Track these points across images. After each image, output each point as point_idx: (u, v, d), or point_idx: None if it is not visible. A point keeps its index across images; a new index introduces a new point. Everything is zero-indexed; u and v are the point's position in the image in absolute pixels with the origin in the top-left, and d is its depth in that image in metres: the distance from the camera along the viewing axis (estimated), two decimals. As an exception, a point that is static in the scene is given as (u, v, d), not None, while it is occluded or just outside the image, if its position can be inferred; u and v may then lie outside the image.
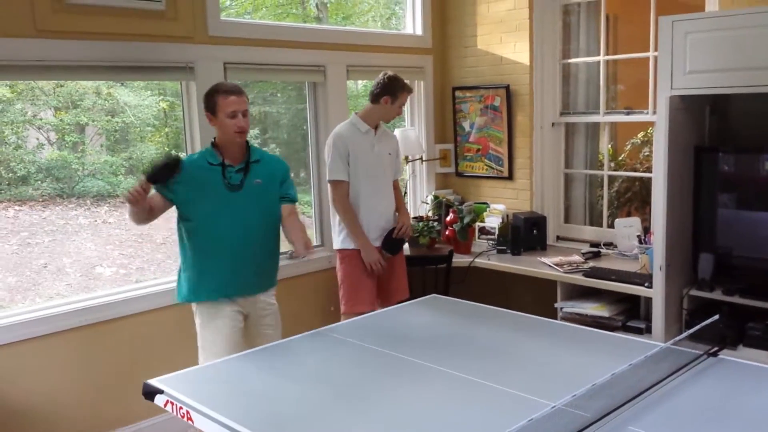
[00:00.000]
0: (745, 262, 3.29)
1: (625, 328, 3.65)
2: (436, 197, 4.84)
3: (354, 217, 3.67)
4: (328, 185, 3.72)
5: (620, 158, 4.87)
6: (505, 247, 4.35)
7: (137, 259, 5.13)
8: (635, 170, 4.72)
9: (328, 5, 7.61)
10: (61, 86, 5.40)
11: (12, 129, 5.16)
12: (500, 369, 2.31)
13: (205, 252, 2.98)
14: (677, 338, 2.34)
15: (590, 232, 4.56)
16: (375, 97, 3.72)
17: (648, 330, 3.50)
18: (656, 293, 3.31)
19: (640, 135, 4.80)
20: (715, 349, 2.40)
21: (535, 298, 4.12)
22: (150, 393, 2.24)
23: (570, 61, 4.59)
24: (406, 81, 3.80)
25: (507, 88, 4.63)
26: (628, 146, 4.91)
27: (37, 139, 5.46)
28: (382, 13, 7.66)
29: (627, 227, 4.12)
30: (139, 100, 5.94)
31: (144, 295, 3.69)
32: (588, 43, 4.54)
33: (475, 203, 4.79)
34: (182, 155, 3.11)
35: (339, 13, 7.80)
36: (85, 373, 3.47)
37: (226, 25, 3.84)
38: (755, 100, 3.07)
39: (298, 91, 4.94)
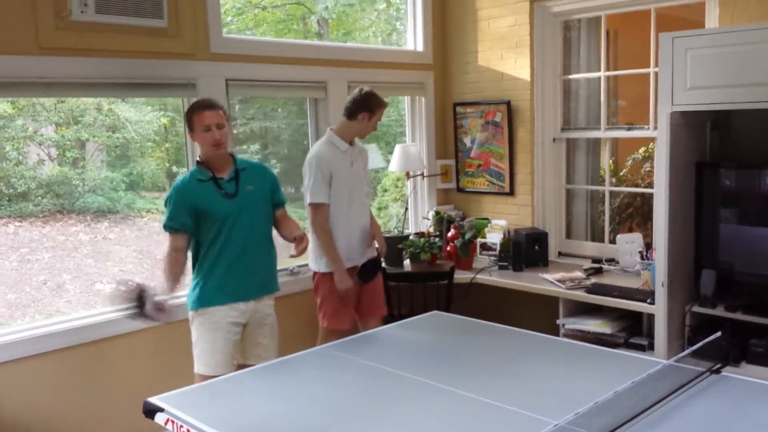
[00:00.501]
0: (748, 278, 3.28)
1: (628, 345, 3.63)
2: (437, 213, 4.83)
3: (333, 242, 3.58)
4: (308, 208, 3.57)
5: (621, 174, 4.88)
6: (506, 263, 4.34)
7: (137, 276, 5.12)
8: (636, 186, 4.72)
9: (330, 21, 7.66)
10: (62, 102, 5.42)
11: (13, 145, 5.17)
12: (502, 387, 2.29)
13: (214, 261, 3.05)
14: (679, 355, 2.33)
15: (592, 248, 4.55)
16: (351, 113, 3.63)
17: (650, 347, 3.48)
18: (658, 309, 3.29)
19: (641, 150, 4.81)
20: (718, 366, 2.38)
21: (537, 314, 4.10)
22: (150, 411, 2.22)
23: (571, 76, 4.60)
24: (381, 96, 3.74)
25: (508, 103, 4.64)
26: (629, 162, 4.92)
27: (38, 155, 5.47)
28: (383, 28, 7.70)
29: (629, 243, 4.11)
30: (140, 115, 5.96)
31: (144, 311, 3.66)
32: (589, 59, 4.55)
33: (477, 219, 4.78)
34: (180, 173, 3.12)
35: (340, 28, 7.84)
36: (85, 391, 3.45)
37: (227, 42, 3.86)
38: (756, 115, 3.08)
39: (298, 106, 4.96)
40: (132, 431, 3.57)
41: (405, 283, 4.22)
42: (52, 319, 3.50)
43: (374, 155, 5.63)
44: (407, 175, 4.84)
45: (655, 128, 3.43)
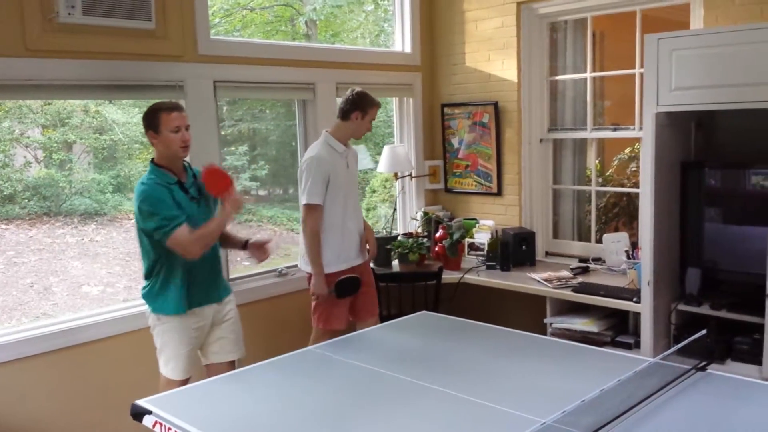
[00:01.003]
0: (732, 276, 3.31)
1: (614, 343, 3.66)
2: (425, 214, 4.85)
3: (319, 245, 3.59)
4: (303, 208, 3.58)
5: (608, 174, 4.92)
6: (494, 263, 4.36)
7: (124, 278, 5.10)
8: (622, 186, 4.76)
9: (318, 22, 7.66)
10: (49, 104, 5.39)
11: (-1, 147, 5.14)
12: (490, 386, 2.31)
13: (176, 265, 2.99)
14: (665, 353, 2.35)
15: (579, 248, 4.58)
16: (345, 113, 3.67)
17: (637, 345, 3.51)
18: (644, 308, 3.32)
19: (627, 151, 4.84)
20: (703, 363, 2.41)
21: (525, 313, 4.12)
22: (138, 414, 2.22)
23: (557, 78, 4.63)
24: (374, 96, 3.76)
25: (495, 104, 4.67)
26: (615, 162, 4.96)
27: (25, 157, 5.44)
28: (371, 30, 7.72)
29: (615, 242, 4.15)
30: (127, 117, 5.94)
31: (132, 314, 3.66)
32: (575, 60, 4.59)
33: (465, 219, 4.80)
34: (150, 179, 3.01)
35: (328, 30, 7.84)
36: (72, 395, 3.44)
37: (215, 44, 3.86)
38: (740, 116, 3.11)
39: (287, 107, 4.96)
40: (120, 434, 3.57)
41: (393, 283, 4.23)
42: (39, 322, 3.48)
43: (363, 156, 5.66)
44: (395, 175, 4.86)
45: (641, 129, 3.46)
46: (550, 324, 3.87)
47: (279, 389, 2.37)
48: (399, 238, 4.60)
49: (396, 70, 4.87)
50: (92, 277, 5.03)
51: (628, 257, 4.00)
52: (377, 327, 3.15)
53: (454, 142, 4.98)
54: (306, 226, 3.58)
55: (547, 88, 4.63)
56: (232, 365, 3.16)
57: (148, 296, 3.07)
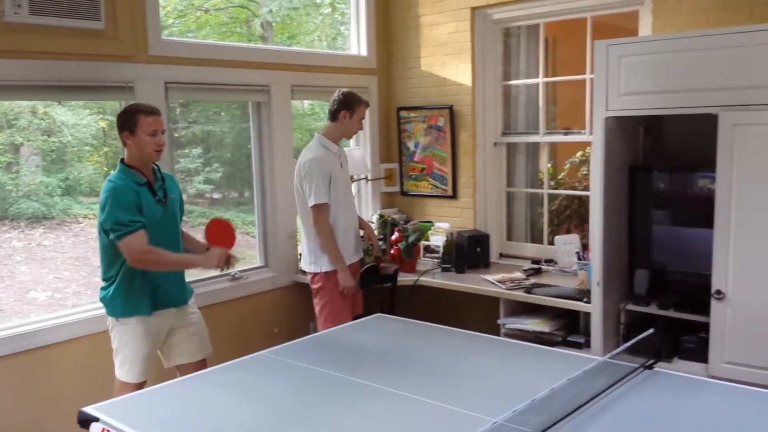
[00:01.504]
0: (679, 276, 3.40)
1: (566, 343, 3.72)
2: (381, 216, 4.86)
3: (336, 240, 3.69)
4: (311, 210, 3.64)
5: (560, 177, 5.00)
6: (449, 265, 4.39)
7: (73, 283, 4.98)
8: (574, 189, 4.84)
9: (273, 25, 7.61)
10: (-5, 105, 5.22)
11: (-59, 149, 4.97)
12: (443, 387, 2.32)
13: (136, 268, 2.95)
14: (614, 352, 2.40)
15: (532, 249, 4.65)
16: (333, 114, 3.77)
17: (587, 344, 3.57)
18: (594, 308, 3.39)
19: (579, 154, 4.93)
20: (651, 361, 2.46)
21: (479, 315, 4.16)
22: (85, 421, 2.17)
23: (511, 82, 4.70)
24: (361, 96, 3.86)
25: (450, 108, 4.71)
26: (567, 165, 5.04)
27: (-31, 159, 5.26)
28: (327, 33, 7.69)
29: (566, 244, 4.22)
30: (77, 119, 5.80)
31: (80, 320, 3.58)
32: (528, 66, 4.66)
33: (420, 222, 4.83)
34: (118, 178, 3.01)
35: (284, 32, 7.79)
36: (18, 402, 3.34)
37: (167, 45, 3.81)
38: (686, 120, 3.19)
39: (242, 110, 4.91)
40: (68, 443, 3.48)
41: (349, 286, 4.22)
42: (-16, 329, 3.38)
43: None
44: (351, 178, 4.85)
45: (591, 133, 3.52)
46: (504, 325, 3.92)
47: (231, 394, 2.34)
48: (355, 241, 4.59)
49: (352, 73, 4.87)
50: (40, 282, 4.89)
51: (579, 258, 4.07)
52: (332, 330, 3.13)
53: (410, 145, 5.00)
54: (319, 226, 3.65)
55: (501, 93, 4.69)
56: (203, 364, 3.16)
57: (108, 297, 3.01)
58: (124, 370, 3.04)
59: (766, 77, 2.82)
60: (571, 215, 4.83)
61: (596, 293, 3.37)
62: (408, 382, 2.34)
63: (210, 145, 6.13)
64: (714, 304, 3.01)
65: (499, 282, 3.99)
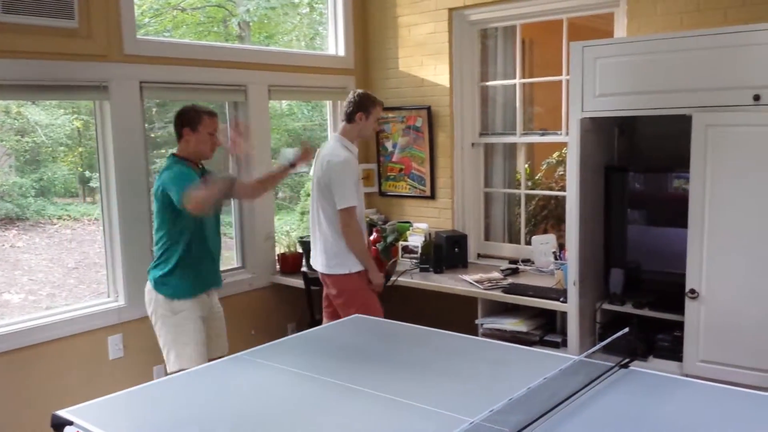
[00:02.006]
0: (654, 276, 3.44)
1: (543, 343, 3.74)
2: (359, 217, 4.85)
3: (365, 242, 3.72)
4: (342, 213, 3.60)
5: (537, 177, 5.03)
6: (427, 266, 4.39)
7: (47, 285, 4.91)
8: (551, 189, 4.88)
9: (251, 24, 7.57)
10: (-33, 104, 5.14)
11: None
12: (421, 387, 2.32)
13: (185, 253, 3.23)
14: (589, 351, 2.41)
15: (509, 250, 4.67)
16: (349, 116, 3.74)
17: (564, 343, 3.60)
18: (571, 307, 3.41)
19: (555, 155, 4.97)
20: (626, 360, 2.48)
21: (457, 315, 4.17)
22: (59, 425, 2.13)
23: (488, 83, 4.72)
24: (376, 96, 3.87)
25: (428, 109, 4.72)
26: (544, 166, 5.08)
27: (-60, 159, 5.17)
28: (306, 32, 7.66)
29: (543, 244, 4.24)
30: (51, 119, 5.72)
31: (54, 322, 3.54)
32: (505, 67, 4.68)
33: (398, 222, 4.83)
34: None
35: (262, 32, 7.75)
36: (-10, 406, 3.29)
37: (142, 44, 3.77)
38: (661, 121, 3.23)
39: (219, 109, 4.89)
40: (42, 447, 3.43)
41: (327, 287, 4.21)
42: (-45, 332, 3.32)
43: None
44: (327, 179, 4.83)
45: (567, 134, 3.55)
46: (482, 325, 3.93)
47: (208, 396, 2.32)
48: (333, 241, 4.58)
49: (330, 73, 4.86)
50: (13, 284, 4.82)
51: (556, 258, 4.10)
52: (309, 331, 3.12)
53: (388, 145, 5.01)
54: (351, 228, 3.62)
55: (479, 94, 4.71)
56: None
57: (166, 281, 3.25)
58: (184, 358, 3.20)
59: (739, 78, 2.86)
60: (548, 215, 4.87)
61: (572, 293, 3.39)
62: (385, 383, 2.34)
63: (186, 146, 6.09)
64: (688, 303, 3.05)
65: (476, 282, 4.01)
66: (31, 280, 4.93)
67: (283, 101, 7.47)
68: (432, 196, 4.81)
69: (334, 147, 3.73)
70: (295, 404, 2.21)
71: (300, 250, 4.61)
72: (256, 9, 7.19)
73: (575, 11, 4.17)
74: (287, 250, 4.63)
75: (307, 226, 5.84)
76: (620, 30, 3.91)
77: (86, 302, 3.85)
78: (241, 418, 2.12)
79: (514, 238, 4.79)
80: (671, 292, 3.18)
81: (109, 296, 3.89)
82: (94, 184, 4.28)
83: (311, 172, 3.89)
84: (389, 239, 4.47)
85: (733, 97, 2.88)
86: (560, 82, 4.30)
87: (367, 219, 4.78)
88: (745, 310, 2.91)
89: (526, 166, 4.75)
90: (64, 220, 5.76)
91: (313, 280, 4.14)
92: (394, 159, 4.99)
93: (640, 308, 3.36)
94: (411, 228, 4.71)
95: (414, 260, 4.52)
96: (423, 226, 4.70)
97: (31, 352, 3.42)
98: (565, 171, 4.56)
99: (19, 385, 3.38)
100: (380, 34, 4.98)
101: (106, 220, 3.84)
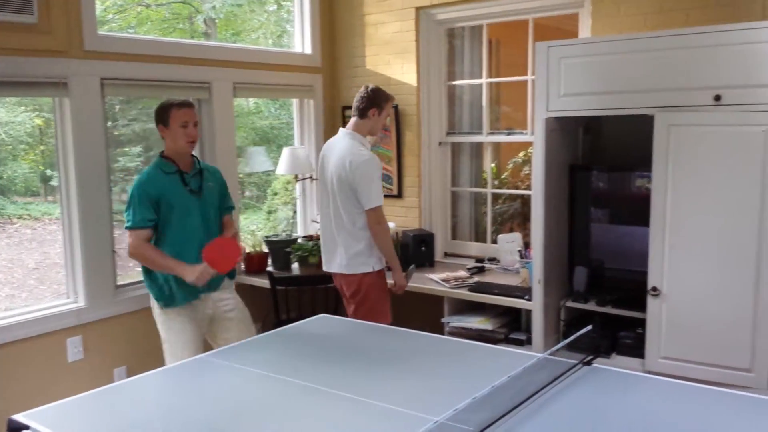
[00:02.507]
0: (617, 274, 3.48)
1: (508, 340, 3.76)
2: (326, 216, 4.82)
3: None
4: (372, 212, 3.53)
5: (503, 176, 5.06)
6: (394, 265, 4.38)
7: (7, 286, 4.80)
8: (517, 188, 4.91)
9: (217, 21, 7.49)
10: None
11: None
12: (386, 387, 2.31)
13: (178, 255, 3.17)
14: (553, 349, 2.43)
15: (476, 248, 4.69)
16: (362, 111, 3.64)
17: (529, 341, 3.62)
18: (535, 305, 3.43)
19: (521, 154, 5.00)
20: (590, 358, 2.50)
21: (424, 313, 4.18)
22: (15, 429, 2.08)
23: (455, 82, 4.73)
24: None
25: (395, 108, 4.71)
26: (510, 165, 5.11)
27: None
28: (273, 30, 7.61)
29: (509, 242, 4.27)
30: (11, 116, 5.59)
31: (12, 324, 3.45)
32: (472, 66, 4.70)
33: (365, 221, 4.80)
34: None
35: (228, 29, 7.68)
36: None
37: (103, 40, 3.70)
38: (625, 121, 3.26)
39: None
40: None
41: (293, 287, 4.19)
42: None
43: (261, 158, 5.56)
44: (296, 178, 4.81)
45: (533, 133, 3.57)
46: (448, 323, 3.94)
47: (169, 399, 2.28)
48: (299, 240, 4.55)
49: (296, 71, 4.83)
50: (-30, 285, 4.70)
51: (521, 257, 4.12)
52: (274, 332, 3.09)
53: (355, 144, 4.98)
54: (381, 226, 3.57)
55: (446, 93, 4.72)
56: None
57: (155, 288, 3.25)
58: (175, 357, 3.19)
59: (699, 79, 2.90)
60: (514, 214, 4.90)
61: (537, 291, 3.41)
62: (350, 383, 2.33)
63: (151, 144, 5.99)
64: (650, 301, 3.09)
65: (443, 281, 4.01)
66: (-11, 281, 4.81)
67: (250, 99, 7.40)
68: (399, 195, 4.81)
69: (351, 145, 3.58)
70: (256, 406, 2.19)
71: (266, 250, 4.57)
72: (222, 6, 7.12)
73: (541, 11, 4.20)
74: (252, 249, 4.58)
75: (273, 225, 5.80)
76: (585, 30, 3.94)
77: (45, 304, 3.76)
78: (202, 421, 2.08)
79: (480, 237, 4.81)
80: (634, 289, 3.21)
81: (68, 297, 3.81)
82: (55, 182, 4.19)
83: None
84: (356, 238, 4.44)
85: (694, 97, 2.92)
86: (526, 81, 4.33)
87: (334, 218, 4.76)
88: (705, 307, 2.96)
89: (493, 165, 4.77)
90: (24, 219, 5.64)
91: (278, 280, 4.10)
92: (361, 158, 4.96)
93: (603, 306, 3.39)
94: (378, 227, 4.69)
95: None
96: (390, 225, 4.68)
97: (-12, 355, 3.34)
98: (530, 170, 4.60)
99: (-25, 388, 3.30)
100: (347, 33, 4.96)
101: (66, 219, 3.76)
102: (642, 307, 3.13)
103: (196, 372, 2.53)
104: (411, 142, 4.72)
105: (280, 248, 4.41)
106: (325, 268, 3.80)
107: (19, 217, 5.68)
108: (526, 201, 4.66)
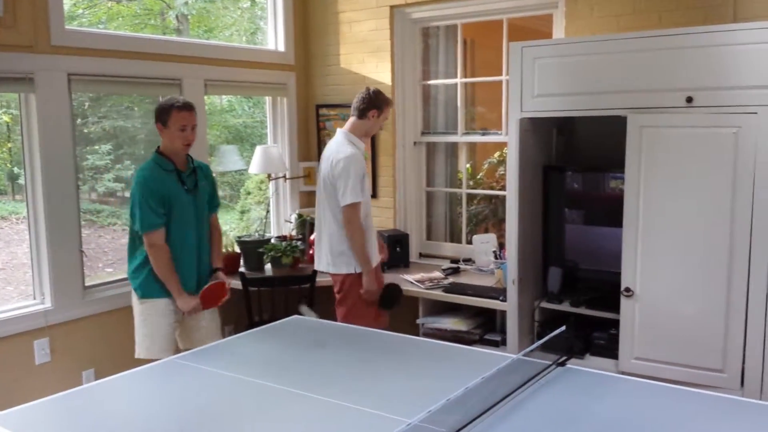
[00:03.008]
0: (591, 274, 3.49)
1: (483, 341, 3.76)
2: (300, 216, 4.78)
3: (365, 242, 3.60)
4: (346, 209, 3.51)
5: (478, 177, 5.05)
6: (368, 265, 4.35)
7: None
8: (492, 188, 4.91)
9: (190, 17, 7.40)
10: None
11: None
12: (360, 388, 2.28)
13: (175, 256, 3.22)
14: (527, 350, 2.42)
15: (451, 249, 4.68)
16: (361, 112, 3.64)
17: (503, 342, 3.62)
18: (510, 306, 3.43)
19: (497, 155, 5.00)
20: (563, 358, 2.50)
21: (399, 314, 4.14)
22: (-24, 434, 2.02)
23: (430, 82, 4.71)
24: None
25: (370, 107, 4.67)
26: (486, 165, 5.11)
27: None
28: (246, 27, 7.54)
29: (484, 243, 4.27)
30: (-25, 112, 5.46)
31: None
32: (447, 66, 4.68)
33: (340, 221, 4.77)
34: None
35: (201, 25, 7.60)
36: None
37: (70, 35, 3.62)
38: (598, 122, 3.27)
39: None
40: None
41: (266, 287, 4.14)
42: None
43: (233, 157, 5.51)
44: (269, 177, 4.76)
45: (507, 133, 3.57)
46: (423, 324, 3.92)
47: (138, 402, 2.24)
48: (272, 241, 4.50)
49: (269, 69, 4.78)
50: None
51: (496, 257, 4.12)
52: (246, 334, 3.05)
53: (329, 143, 4.94)
54: (354, 225, 3.52)
55: (420, 92, 4.70)
56: None
57: (138, 279, 3.27)
58: (143, 347, 3.25)
59: (672, 80, 2.92)
60: (489, 215, 4.90)
61: (512, 291, 3.41)
62: (323, 385, 2.30)
63: (121, 142, 5.89)
64: (623, 302, 3.10)
65: (418, 281, 4.00)
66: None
67: (223, 96, 7.32)
68: (374, 195, 4.77)
69: (340, 143, 3.62)
70: (228, 409, 2.15)
71: (238, 250, 4.51)
72: (195, 2, 7.04)
73: (515, 12, 4.20)
74: (224, 249, 4.52)
75: (246, 226, 5.75)
76: (559, 31, 3.95)
77: (11, 305, 3.67)
78: (172, 424, 2.04)
79: (455, 238, 4.80)
80: (608, 290, 3.22)
81: (35, 298, 3.72)
82: (23, 181, 4.09)
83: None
84: (330, 238, 4.41)
85: (666, 99, 2.94)
86: (501, 82, 4.33)
87: (308, 218, 4.72)
88: (677, 308, 2.98)
89: (468, 165, 4.76)
90: (-10, 218, 5.51)
91: (251, 281, 4.05)
92: (335, 157, 4.93)
93: (577, 307, 3.40)
94: (352, 227, 4.66)
95: (355, 259, 4.47)
96: (367, 225, 4.66)
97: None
98: (506, 170, 4.60)
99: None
100: (321, 30, 4.92)
101: (32, 218, 3.67)
102: (616, 307, 3.14)
103: (166, 374, 2.48)
104: (386, 142, 4.69)
105: (253, 249, 4.36)
106: (315, 266, 3.82)
107: (-14, 216, 5.55)
108: (501, 201, 4.67)
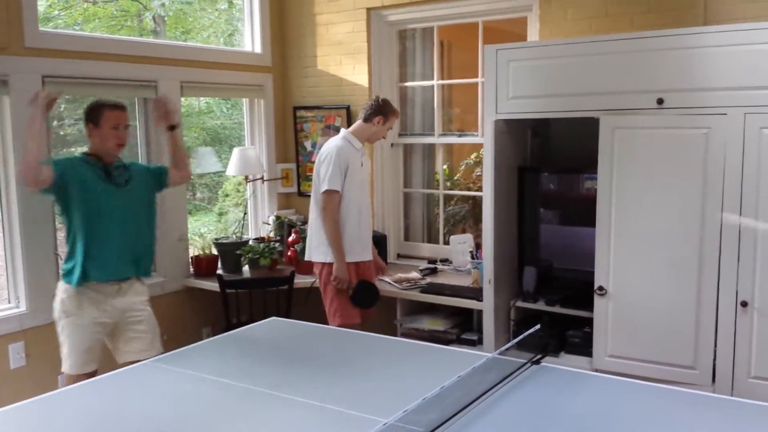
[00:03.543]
0: (565, 273, 3.53)
1: (460, 341, 3.78)
2: (278, 218, 4.78)
3: (340, 231, 3.66)
4: (323, 195, 3.64)
5: (455, 178, 5.09)
6: (346, 266, 4.36)
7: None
8: (469, 189, 4.94)
9: (166, 19, 7.36)
10: None
11: None
12: (336, 390, 2.29)
13: (87, 243, 3.07)
14: (501, 348, 2.45)
15: (428, 249, 4.71)
16: (368, 116, 3.77)
17: (480, 341, 3.65)
18: (486, 306, 3.46)
19: (473, 156, 5.04)
20: (538, 357, 2.53)
21: (377, 315, 4.16)
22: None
23: (407, 84, 4.74)
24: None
25: (347, 108, 4.69)
26: (463, 167, 5.14)
27: None
28: (224, 29, 7.51)
29: (461, 243, 4.30)
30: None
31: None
32: (423, 68, 4.71)
33: (317, 223, 4.77)
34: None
35: (178, 27, 7.56)
36: None
37: (45, 36, 3.59)
38: (572, 123, 3.31)
39: (130, 107, 4.72)
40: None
41: (243, 289, 4.13)
42: None
43: (211, 158, 5.49)
44: (246, 179, 4.75)
45: (483, 135, 3.60)
46: (400, 324, 3.94)
47: (112, 407, 2.22)
48: (250, 242, 4.50)
49: (246, 71, 4.77)
50: None
51: (473, 257, 4.15)
52: (223, 336, 3.04)
53: (307, 145, 4.96)
54: (327, 212, 3.62)
55: (398, 94, 4.73)
56: None
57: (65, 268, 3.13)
58: (69, 362, 3.11)
59: (643, 83, 2.97)
60: (466, 215, 4.93)
61: (488, 291, 3.44)
62: (300, 386, 2.30)
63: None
64: (597, 300, 3.14)
65: (395, 282, 4.02)
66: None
67: (201, 98, 7.28)
68: (351, 196, 4.78)
69: (335, 138, 3.78)
70: (205, 412, 2.15)
71: (215, 252, 4.50)
72: (171, 3, 7.01)
73: (490, 15, 4.24)
74: (201, 252, 4.51)
75: (224, 228, 5.72)
76: (533, 34, 4.00)
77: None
78: (148, 428, 2.03)
79: (433, 238, 4.83)
80: (581, 289, 3.26)
81: (10, 302, 3.68)
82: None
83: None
84: (308, 240, 4.42)
85: (638, 100, 2.98)
86: (477, 84, 4.36)
87: (285, 219, 4.72)
88: (650, 306, 3.02)
89: (445, 166, 4.79)
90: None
91: (228, 283, 4.05)
92: (313, 159, 4.93)
93: (552, 305, 3.44)
94: (330, 228, 4.67)
95: (333, 261, 4.48)
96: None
97: None
98: (482, 172, 4.64)
99: None
100: (298, 32, 4.92)
101: (6, 221, 3.63)
102: (590, 306, 3.18)
103: (142, 378, 2.47)
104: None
105: (231, 251, 4.35)
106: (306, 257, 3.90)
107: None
108: (477, 202, 4.70)
